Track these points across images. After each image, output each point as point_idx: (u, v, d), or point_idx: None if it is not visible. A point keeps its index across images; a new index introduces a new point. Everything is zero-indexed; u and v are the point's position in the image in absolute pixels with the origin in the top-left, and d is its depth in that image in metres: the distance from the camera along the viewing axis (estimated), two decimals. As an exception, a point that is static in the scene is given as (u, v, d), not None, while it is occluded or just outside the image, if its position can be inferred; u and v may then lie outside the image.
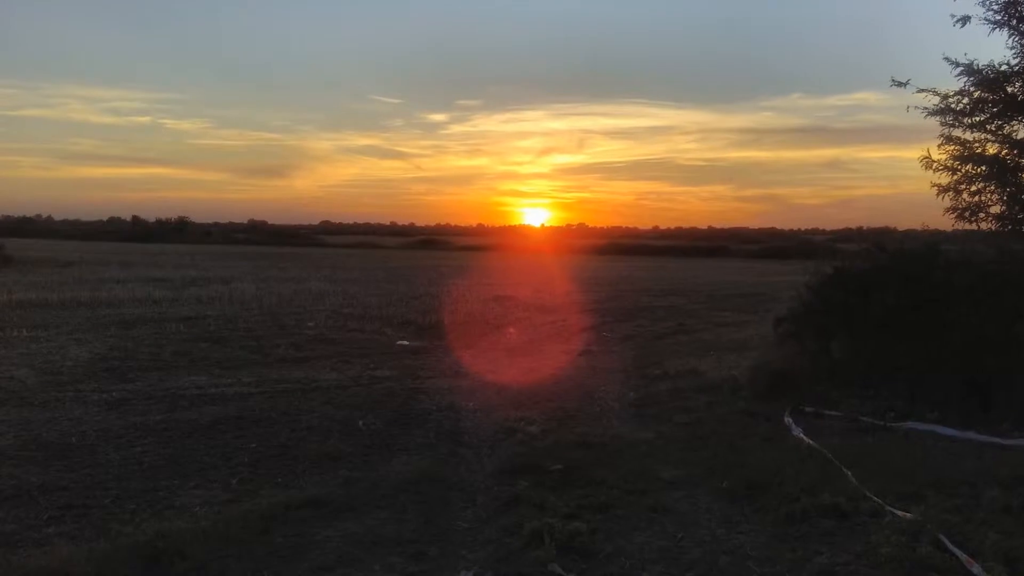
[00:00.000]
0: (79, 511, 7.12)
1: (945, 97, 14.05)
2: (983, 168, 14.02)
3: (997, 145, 14.08)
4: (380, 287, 31.71)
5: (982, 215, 14.27)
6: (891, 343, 11.74)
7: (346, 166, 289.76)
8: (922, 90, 14.12)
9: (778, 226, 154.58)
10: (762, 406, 11.20)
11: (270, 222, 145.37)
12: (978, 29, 13.60)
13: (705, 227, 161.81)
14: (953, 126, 14.26)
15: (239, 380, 12.95)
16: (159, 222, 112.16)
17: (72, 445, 9.12)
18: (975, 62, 13.60)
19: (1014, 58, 13.50)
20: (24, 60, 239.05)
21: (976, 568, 5.64)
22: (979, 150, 14.16)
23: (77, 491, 7.63)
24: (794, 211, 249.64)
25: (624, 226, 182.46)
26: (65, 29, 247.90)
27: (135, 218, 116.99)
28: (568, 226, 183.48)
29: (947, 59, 13.74)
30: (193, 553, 6.00)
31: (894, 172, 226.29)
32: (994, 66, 13.55)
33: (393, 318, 21.36)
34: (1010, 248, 12.52)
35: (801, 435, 9.60)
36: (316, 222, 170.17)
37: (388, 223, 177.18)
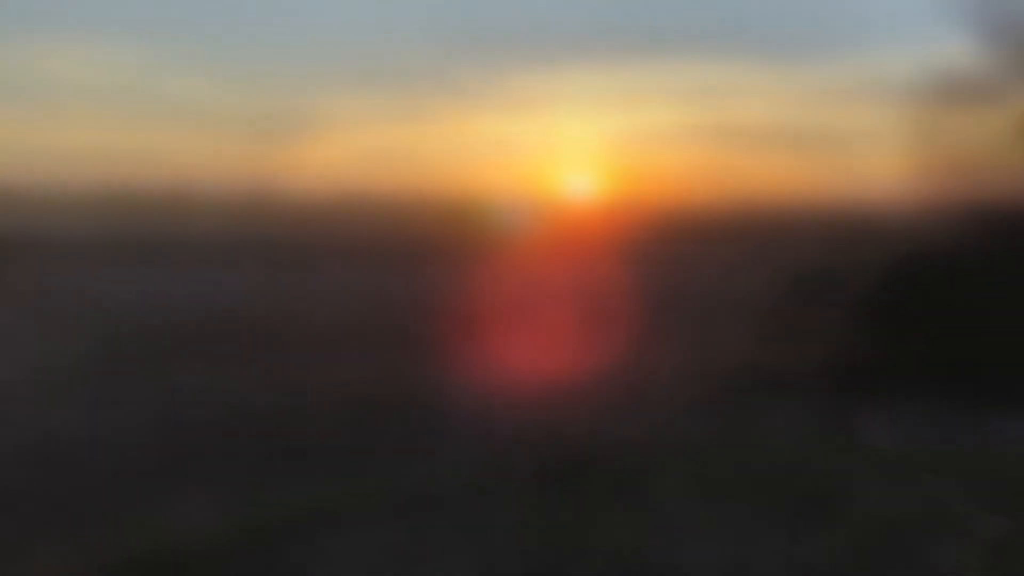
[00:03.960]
0: (65, 521, 7.18)
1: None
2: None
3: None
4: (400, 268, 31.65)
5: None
6: (973, 329, 11.65)
7: (368, 136, 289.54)
8: None
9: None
10: (829, 403, 11.15)
11: (280, 199, 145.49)
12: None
13: (768, 201, 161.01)
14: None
15: (243, 375, 13.00)
16: (153, 198, 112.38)
17: (58, 449, 9.19)
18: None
19: None
20: None
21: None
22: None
23: (63, 499, 7.69)
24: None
25: (680, 200, 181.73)
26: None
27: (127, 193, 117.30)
28: (616, 200, 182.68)
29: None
30: (191, 566, 6.03)
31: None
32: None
33: (415, 303, 21.33)
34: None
35: (873, 437, 9.56)
36: (333, 197, 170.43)
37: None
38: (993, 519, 6.83)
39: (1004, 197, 13.04)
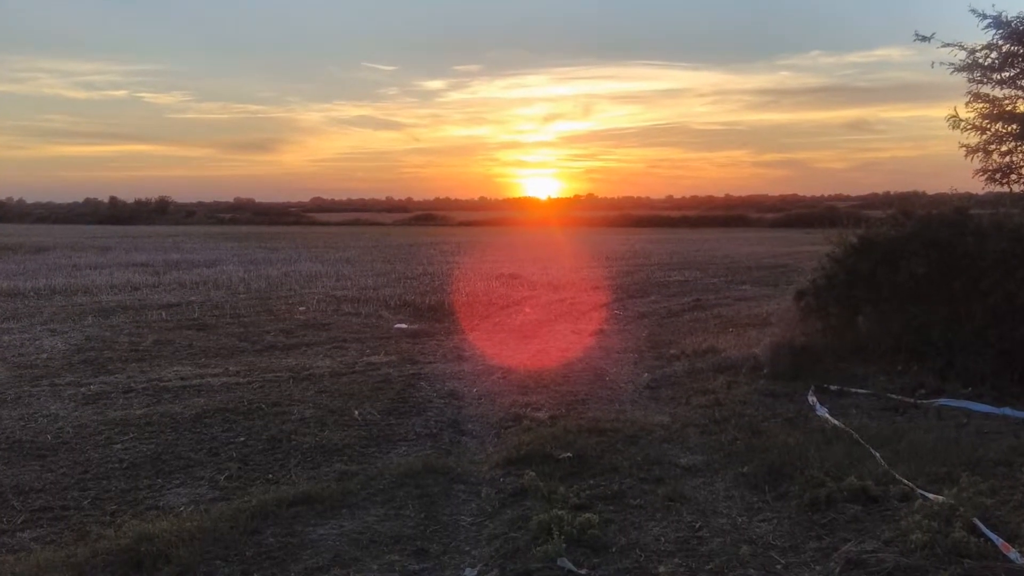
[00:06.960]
0: (56, 513, 7.13)
1: (972, 52, 14.03)
2: (1014, 127, 14.00)
3: (1029, 102, 14.04)
4: (375, 267, 31.69)
5: (1014, 176, 14.25)
6: (920, 315, 11.70)
7: (338, 138, 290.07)
8: (947, 44, 14.11)
9: (800, 192, 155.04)
10: (784, 385, 11.19)
11: (257, 200, 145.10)
12: (1007, -22, 13.56)
13: (722, 195, 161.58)
14: (981, 82, 14.24)
15: (226, 370, 12.96)
16: (138, 203, 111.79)
17: (48, 443, 9.13)
18: (1004, 14, 13.55)
19: (1046, 7, 13.43)
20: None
21: (1013, 553, 5.63)
22: (1009, 107, 14.12)
23: (53, 492, 7.64)
24: (816, 176, 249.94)
25: (635, 196, 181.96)
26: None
27: (113, 199, 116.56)
28: (576, 197, 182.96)
29: (974, 11, 13.70)
30: (178, 556, 6.00)
31: (921, 132, 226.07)
32: (1024, 17, 13.50)
33: (390, 300, 21.33)
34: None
35: (826, 415, 9.60)
36: (307, 199, 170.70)
37: (383, 198, 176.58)
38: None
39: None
